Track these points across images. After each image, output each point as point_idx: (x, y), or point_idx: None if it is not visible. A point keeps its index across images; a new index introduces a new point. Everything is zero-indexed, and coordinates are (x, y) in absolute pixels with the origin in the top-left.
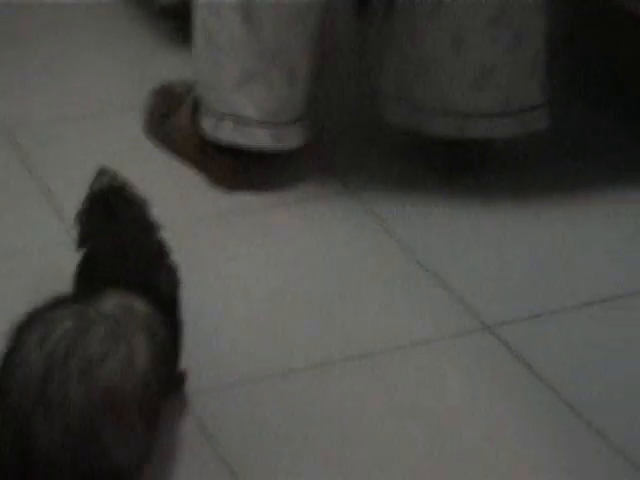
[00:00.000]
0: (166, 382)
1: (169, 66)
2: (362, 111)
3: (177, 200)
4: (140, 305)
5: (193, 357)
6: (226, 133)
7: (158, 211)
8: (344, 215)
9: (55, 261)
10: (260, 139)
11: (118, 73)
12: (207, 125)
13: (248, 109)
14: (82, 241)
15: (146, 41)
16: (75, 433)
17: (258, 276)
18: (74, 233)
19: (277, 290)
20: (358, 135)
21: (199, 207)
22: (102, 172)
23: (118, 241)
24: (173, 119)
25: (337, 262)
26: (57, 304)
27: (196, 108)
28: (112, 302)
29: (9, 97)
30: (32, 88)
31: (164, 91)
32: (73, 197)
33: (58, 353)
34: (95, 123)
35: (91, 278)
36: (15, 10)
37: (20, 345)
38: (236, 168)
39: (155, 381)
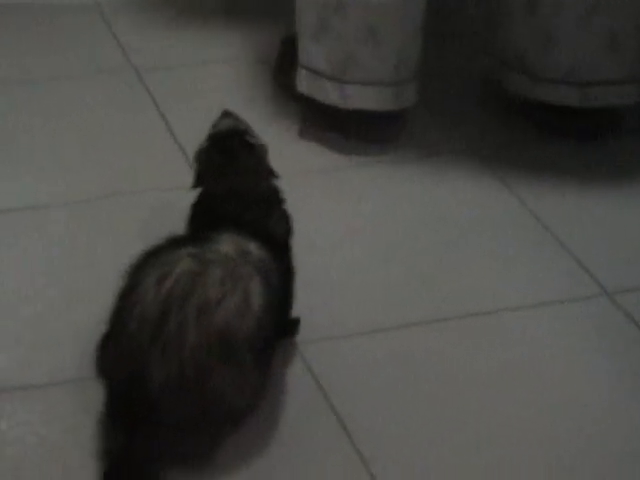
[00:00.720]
0: (279, 327)
1: None
2: (477, 74)
3: (301, 152)
4: (255, 248)
5: (305, 307)
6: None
7: (274, 162)
8: (467, 174)
9: (175, 201)
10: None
11: (250, 25)
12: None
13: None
14: (199, 180)
15: None
16: (189, 373)
17: (373, 230)
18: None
19: (393, 244)
20: (475, 99)
21: (310, 160)
22: (226, 114)
23: (235, 183)
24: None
25: (459, 220)
26: (173, 244)
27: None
28: (228, 244)
29: (139, 42)
30: (167, 34)
31: (293, 41)
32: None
33: (176, 294)
34: (224, 69)
35: (205, 219)
36: None
37: (137, 284)
38: (359, 126)
39: (269, 325)
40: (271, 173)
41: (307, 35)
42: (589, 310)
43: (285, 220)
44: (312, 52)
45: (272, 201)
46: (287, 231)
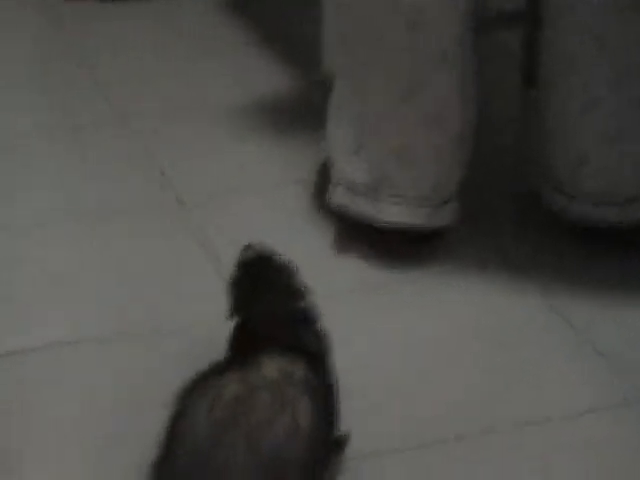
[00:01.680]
0: (328, 446)
1: None
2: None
3: (339, 271)
4: (298, 369)
5: (348, 423)
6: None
7: (315, 281)
8: (503, 287)
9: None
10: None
11: (283, 149)
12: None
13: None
14: (234, 310)
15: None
16: None
17: (413, 346)
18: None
19: (433, 360)
20: (517, 216)
21: (350, 280)
22: (248, 246)
23: (268, 307)
24: None
25: (499, 334)
26: (218, 371)
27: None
28: (272, 367)
29: (179, 171)
30: (201, 163)
31: None
32: None
33: (226, 419)
34: (260, 197)
35: (243, 346)
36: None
37: (187, 411)
38: (397, 243)
39: (319, 445)
40: (301, 292)
41: (343, 152)
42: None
43: (320, 338)
44: (347, 169)
45: (306, 320)
46: (324, 348)
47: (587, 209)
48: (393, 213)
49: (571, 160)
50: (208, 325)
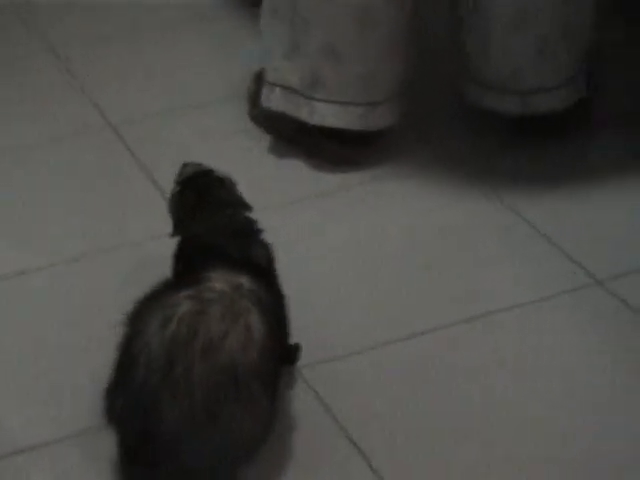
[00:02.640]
0: (280, 354)
1: None
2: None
3: (281, 181)
4: (246, 281)
5: (302, 331)
6: (276, 102)
7: (255, 193)
8: (450, 184)
9: (165, 251)
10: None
11: (213, 64)
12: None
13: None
14: (177, 227)
15: (243, 30)
16: (200, 410)
17: (363, 249)
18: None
19: (382, 259)
20: (453, 114)
21: (301, 187)
22: (186, 164)
23: (211, 221)
24: None
25: (448, 229)
26: (166, 289)
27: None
28: (221, 281)
29: (114, 94)
30: (135, 84)
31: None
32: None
33: (181, 335)
34: (198, 114)
35: (189, 261)
36: (125, 9)
37: (141, 330)
38: (335, 147)
39: (272, 354)
40: (245, 205)
41: (278, 55)
42: (583, 299)
43: (265, 248)
44: (283, 69)
45: (250, 232)
46: (269, 259)
47: (492, 97)
48: (326, 114)
49: (477, 47)
50: (152, 243)
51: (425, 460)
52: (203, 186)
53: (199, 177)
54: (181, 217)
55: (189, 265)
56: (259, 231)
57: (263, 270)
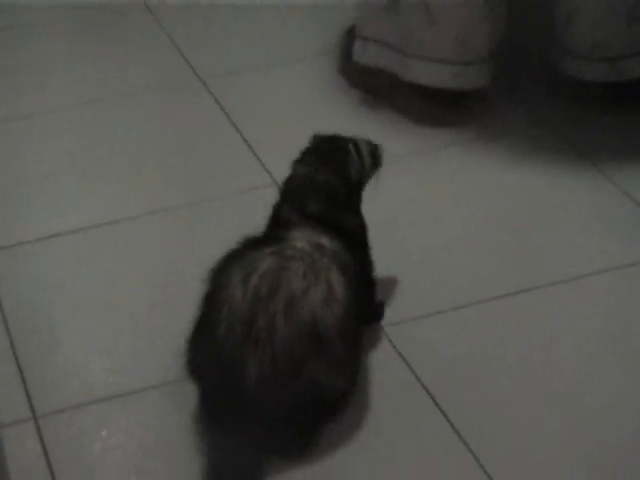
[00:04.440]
0: (364, 313)
1: None
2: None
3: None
4: (327, 242)
5: (388, 290)
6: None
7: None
8: (541, 150)
9: (251, 204)
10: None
11: (307, 20)
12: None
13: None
14: (292, 166)
15: None
16: (283, 365)
17: (452, 211)
18: (271, 175)
19: (471, 222)
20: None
21: (392, 144)
22: (317, 135)
23: (311, 178)
24: None
25: (538, 195)
26: (251, 245)
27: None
28: (302, 240)
29: (204, 49)
30: (223, 41)
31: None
32: (271, 142)
33: (263, 290)
34: (288, 69)
35: (284, 216)
36: None
37: (223, 284)
38: (426, 105)
39: (354, 311)
40: (350, 174)
41: (376, 7)
42: None
43: (359, 219)
44: (380, 24)
45: (350, 200)
46: (361, 229)
47: (579, 65)
48: (420, 71)
49: (562, 12)
50: (242, 197)
51: (506, 422)
52: (323, 150)
53: (332, 138)
54: (297, 161)
55: (278, 226)
56: (358, 201)
57: (349, 233)
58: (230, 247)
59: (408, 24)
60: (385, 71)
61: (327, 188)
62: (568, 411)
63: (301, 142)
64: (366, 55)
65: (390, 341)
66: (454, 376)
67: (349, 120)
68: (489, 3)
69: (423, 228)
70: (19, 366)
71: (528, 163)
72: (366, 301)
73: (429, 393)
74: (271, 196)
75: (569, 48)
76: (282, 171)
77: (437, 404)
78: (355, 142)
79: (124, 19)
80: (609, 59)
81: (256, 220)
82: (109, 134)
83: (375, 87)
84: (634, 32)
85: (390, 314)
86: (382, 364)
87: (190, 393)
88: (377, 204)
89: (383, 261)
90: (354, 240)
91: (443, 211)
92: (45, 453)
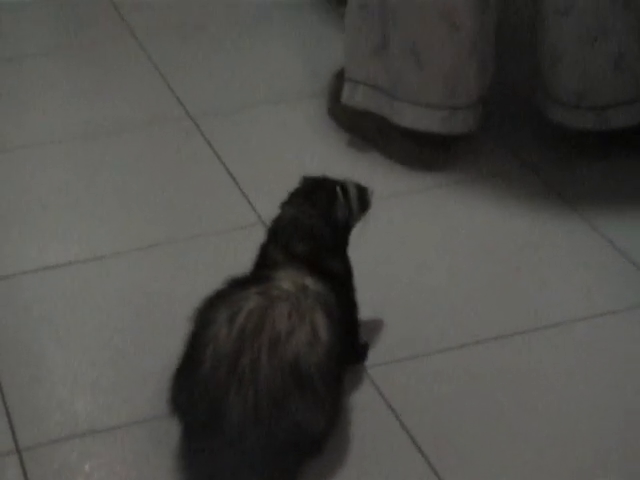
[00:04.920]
0: (347, 354)
1: None
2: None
3: (357, 180)
4: (312, 283)
5: (371, 331)
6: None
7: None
8: (527, 194)
9: (238, 242)
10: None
11: (296, 61)
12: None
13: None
14: (281, 207)
15: (324, 29)
16: (265, 404)
17: (436, 252)
18: (258, 215)
19: (456, 265)
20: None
21: (379, 186)
22: (306, 177)
23: (298, 219)
24: None
25: (523, 239)
26: (237, 285)
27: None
28: (288, 281)
29: (194, 85)
30: (213, 79)
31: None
32: (259, 182)
33: (248, 329)
34: (277, 109)
35: (271, 255)
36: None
37: (209, 323)
38: (414, 148)
39: (337, 353)
40: (336, 218)
41: (365, 50)
42: None
43: (345, 262)
44: (369, 67)
45: (336, 243)
46: (347, 272)
47: (565, 113)
48: (408, 115)
49: (547, 59)
50: (229, 235)
51: (489, 467)
52: (310, 192)
53: (321, 180)
54: (285, 202)
55: (268, 262)
56: (344, 245)
57: (334, 276)
58: (216, 285)
59: (397, 67)
60: (374, 114)
61: (313, 230)
62: (552, 457)
63: (289, 182)
64: (355, 98)
65: (372, 382)
66: (436, 419)
67: (337, 161)
68: (477, 47)
69: (408, 270)
70: (3, 398)
71: (513, 206)
72: (350, 342)
73: (410, 435)
74: (258, 235)
75: (555, 96)
76: (269, 210)
77: (418, 446)
78: (343, 185)
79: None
80: (595, 108)
81: (243, 259)
82: (98, 169)
83: (364, 129)
84: (620, 81)
85: (373, 355)
86: (364, 405)
87: (173, 430)
88: (363, 245)
89: (368, 302)
90: (339, 282)
91: (428, 253)
92: None
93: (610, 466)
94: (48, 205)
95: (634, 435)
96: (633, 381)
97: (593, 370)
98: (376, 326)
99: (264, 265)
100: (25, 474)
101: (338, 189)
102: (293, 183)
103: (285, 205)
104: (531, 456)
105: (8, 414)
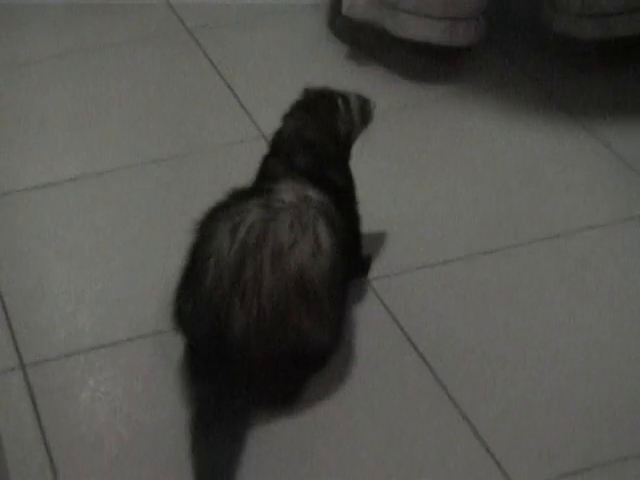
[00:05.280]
0: (350, 267)
1: None
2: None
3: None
4: (314, 194)
5: (375, 244)
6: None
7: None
8: (530, 105)
9: (239, 156)
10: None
11: None
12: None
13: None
14: (282, 119)
15: None
16: (269, 316)
17: (441, 165)
18: (259, 128)
19: (458, 175)
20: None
21: (380, 99)
22: (307, 89)
23: (299, 131)
24: None
25: (526, 150)
26: (239, 197)
27: None
28: (289, 193)
29: (190, 2)
30: None
31: None
32: (256, 93)
33: (250, 241)
34: (277, 21)
35: (272, 169)
36: None
37: (210, 235)
38: (415, 61)
39: (341, 263)
40: (339, 131)
41: None
42: None
43: (347, 174)
44: None
45: (338, 155)
46: (349, 184)
47: (569, 22)
48: (410, 27)
49: None
50: (230, 149)
51: (492, 375)
52: (313, 105)
53: (323, 92)
54: (287, 114)
55: (270, 174)
56: (346, 158)
57: (336, 187)
58: (218, 198)
59: None
60: (374, 25)
61: (315, 143)
62: (555, 364)
63: (289, 95)
64: (355, 9)
65: (376, 294)
66: (440, 329)
67: (338, 74)
68: None
69: (411, 182)
70: (7, 314)
71: (515, 117)
72: (353, 255)
73: (414, 346)
74: (259, 149)
75: (559, 5)
76: (270, 124)
77: (422, 356)
78: (345, 97)
79: None
80: (598, 16)
81: (244, 172)
82: (98, 85)
83: (364, 42)
84: None
85: (377, 268)
86: (368, 317)
87: (177, 343)
88: (366, 158)
89: (370, 215)
90: (341, 195)
91: (430, 166)
92: (33, 401)
93: (610, 366)
94: (49, 120)
95: (631, 340)
96: (632, 290)
97: (598, 278)
98: (379, 239)
99: (266, 177)
100: (30, 389)
101: (340, 101)
102: (293, 96)
103: (287, 117)
104: (534, 364)
105: (12, 330)
